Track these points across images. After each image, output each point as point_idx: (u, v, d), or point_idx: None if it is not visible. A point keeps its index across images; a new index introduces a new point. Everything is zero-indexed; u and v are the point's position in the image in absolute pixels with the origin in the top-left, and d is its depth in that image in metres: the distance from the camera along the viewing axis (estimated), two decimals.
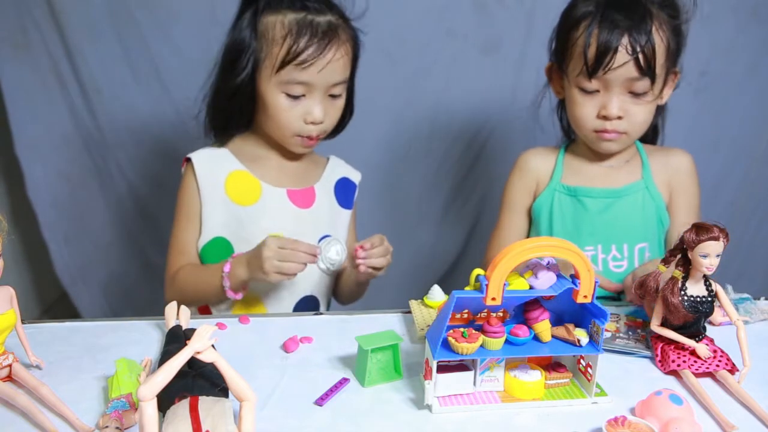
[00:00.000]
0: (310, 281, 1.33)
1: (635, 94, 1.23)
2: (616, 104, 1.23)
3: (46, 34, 1.87)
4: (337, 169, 1.43)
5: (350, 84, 1.34)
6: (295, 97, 1.24)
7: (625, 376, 0.94)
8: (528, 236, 1.41)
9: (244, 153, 1.33)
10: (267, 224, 1.30)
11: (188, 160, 1.30)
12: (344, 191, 1.42)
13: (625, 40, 1.18)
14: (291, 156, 1.35)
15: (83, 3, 1.85)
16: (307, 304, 1.34)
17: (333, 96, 1.27)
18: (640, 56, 1.19)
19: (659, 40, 1.20)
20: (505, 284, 0.81)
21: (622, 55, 1.19)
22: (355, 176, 1.45)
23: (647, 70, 1.20)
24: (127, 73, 1.91)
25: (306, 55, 1.19)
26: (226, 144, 1.34)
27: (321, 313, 1.13)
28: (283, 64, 1.20)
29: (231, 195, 1.29)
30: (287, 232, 1.29)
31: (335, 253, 1.30)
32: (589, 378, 0.88)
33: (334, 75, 1.23)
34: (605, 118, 1.24)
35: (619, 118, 1.24)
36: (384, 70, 1.96)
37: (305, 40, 1.19)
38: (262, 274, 1.15)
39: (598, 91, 1.24)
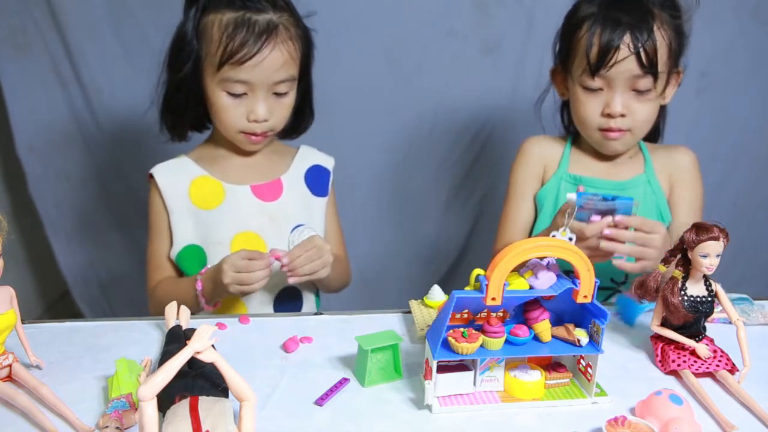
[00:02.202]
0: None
1: (638, 92, 1.24)
2: (619, 102, 1.24)
3: (46, 34, 1.87)
4: (308, 157, 1.41)
5: (305, 83, 1.34)
6: (237, 95, 1.24)
7: (625, 376, 0.94)
8: (534, 224, 1.41)
9: (205, 158, 1.34)
10: (234, 224, 1.30)
11: (152, 175, 1.31)
12: (317, 179, 1.40)
13: (627, 37, 1.20)
14: (251, 152, 1.35)
15: (83, 3, 1.85)
16: (289, 296, 1.34)
17: (278, 94, 1.26)
18: (642, 53, 1.20)
19: (661, 39, 1.22)
20: (505, 284, 0.81)
21: (625, 52, 1.21)
22: (328, 162, 1.43)
23: (649, 66, 1.21)
24: (127, 73, 1.91)
25: (242, 53, 1.19)
26: (190, 150, 1.35)
27: (321, 313, 1.13)
28: (221, 62, 1.21)
29: (195, 202, 1.30)
30: (256, 227, 1.30)
31: None
32: (589, 378, 0.88)
33: (275, 73, 1.23)
34: (609, 116, 1.26)
35: (623, 116, 1.25)
36: (384, 70, 1.96)
37: (240, 38, 1.19)
38: (227, 292, 1.17)
39: (601, 89, 1.25)
